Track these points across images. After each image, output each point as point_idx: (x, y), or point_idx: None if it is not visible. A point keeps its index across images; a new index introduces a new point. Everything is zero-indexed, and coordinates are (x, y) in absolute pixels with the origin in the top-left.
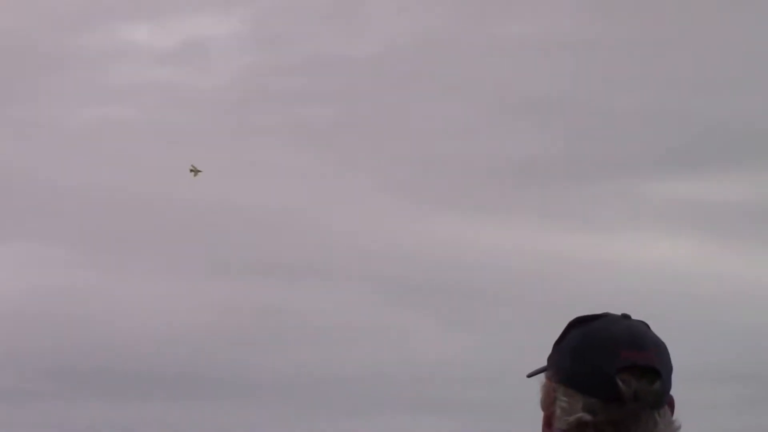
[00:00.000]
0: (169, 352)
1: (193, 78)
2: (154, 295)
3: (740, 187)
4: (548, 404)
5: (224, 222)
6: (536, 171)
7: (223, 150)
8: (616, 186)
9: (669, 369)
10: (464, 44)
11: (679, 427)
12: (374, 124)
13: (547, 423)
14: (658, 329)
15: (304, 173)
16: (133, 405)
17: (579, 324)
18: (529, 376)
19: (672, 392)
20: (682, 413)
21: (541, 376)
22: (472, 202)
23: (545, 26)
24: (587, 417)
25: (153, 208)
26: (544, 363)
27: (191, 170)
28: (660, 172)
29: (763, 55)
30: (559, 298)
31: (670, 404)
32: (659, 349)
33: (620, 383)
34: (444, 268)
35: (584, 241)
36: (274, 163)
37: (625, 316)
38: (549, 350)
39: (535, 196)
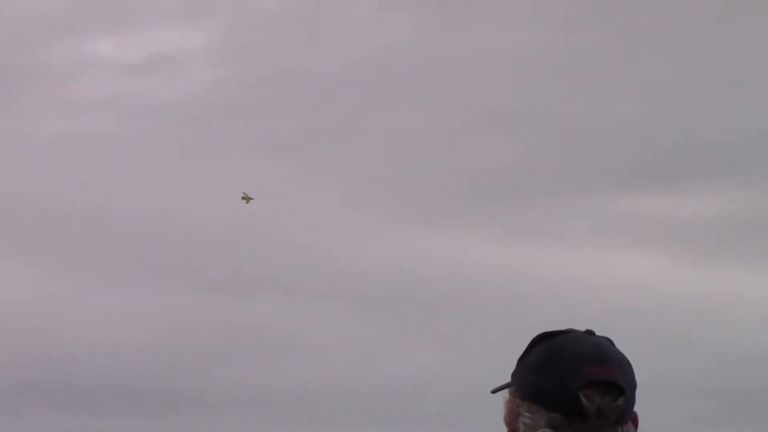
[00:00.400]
0: (134, 367)
1: (159, 91)
2: (115, 310)
3: (712, 202)
4: (512, 420)
5: (189, 236)
6: (503, 184)
7: (188, 162)
8: (585, 200)
9: (633, 385)
10: (430, 57)
11: None
12: (340, 136)
13: None
14: (623, 345)
15: (270, 186)
16: (98, 419)
17: (543, 340)
18: (494, 392)
19: (636, 408)
20: (646, 429)
21: (505, 392)
22: (437, 216)
23: (511, 38)
24: None
25: (119, 222)
26: (509, 379)
27: (243, 198)
28: (630, 186)
29: (737, 69)
30: (526, 313)
31: (634, 420)
32: (623, 365)
33: (584, 399)
34: (408, 283)
35: (552, 255)
36: (239, 175)
37: (589, 332)
38: (514, 366)
39: (502, 210)
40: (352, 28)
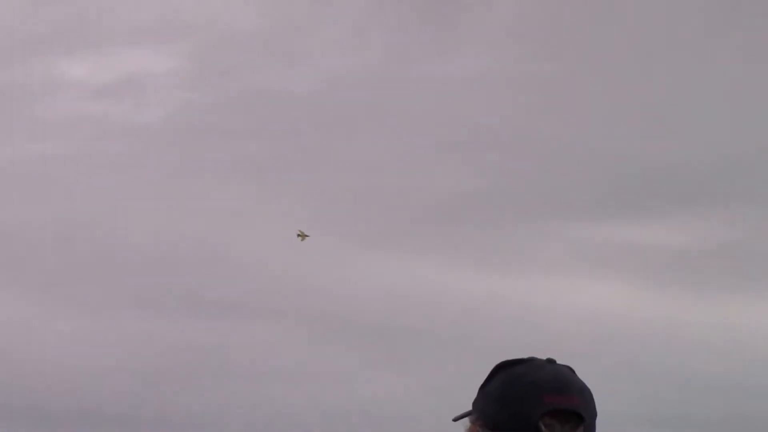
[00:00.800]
0: (96, 391)
1: (129, 113)
2: (79, 332)
3: (678, 231)
4: None
5: (155, 258)
6: (470, 210)
7: (158, 184)
8: (551, 227)
9: (593, 414)
10: (401, 81)
11: None
12: (310, 159)
13: None
14: (586, 374)
15: (239, 209)
16: None
17: (504, 368)
18: (455, 420)
19: None
20: None
21: (467, 420)
22: (404, 241)
23: (482, 64)
24: None
25: (85, 244)
26: (471, 407)
27: (299, 235)
28: (596, 214)
29: (704, 99)
30: (489, 341)
31: None
32: (584, 394)
33: (543, 428)
34: (373, 308)
35: (517, 283)
36: (210, 198)
37: (550, 361)
38: (476, 393)
39: (467, 236)
40: (325, 51)
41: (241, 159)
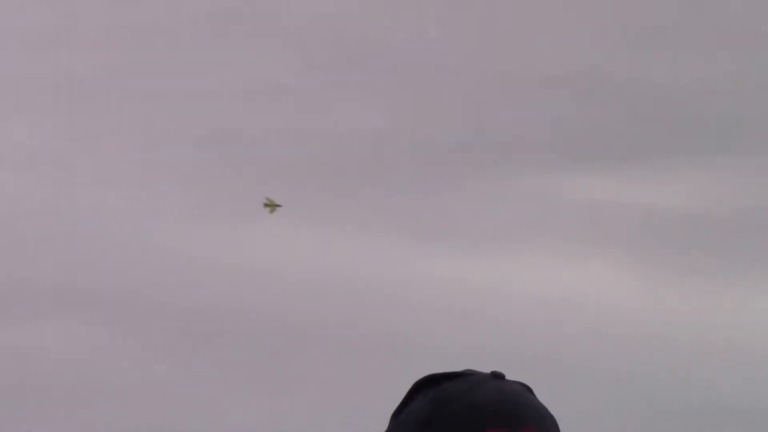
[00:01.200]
0: None
1: None
2: None
3: (687, 190)
4: None
5: None
6: (384, 153)
7: None
8: (514, 184)
9: None
10: None
11: None
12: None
13: None
14: (548, 393)
15: None
16: None
17: (427, 386)
18: None
19: None
20: None
21: None
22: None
23: None
24: None
25: None
26: None
27: (267, 205)
28: (577, 166)
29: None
30: (417, 342)
31: None
32: (544, 422)
33: None
34: (243, 299)
35: (449, 259)
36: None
37: (496, 375)
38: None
39: (376, 198)
40: None
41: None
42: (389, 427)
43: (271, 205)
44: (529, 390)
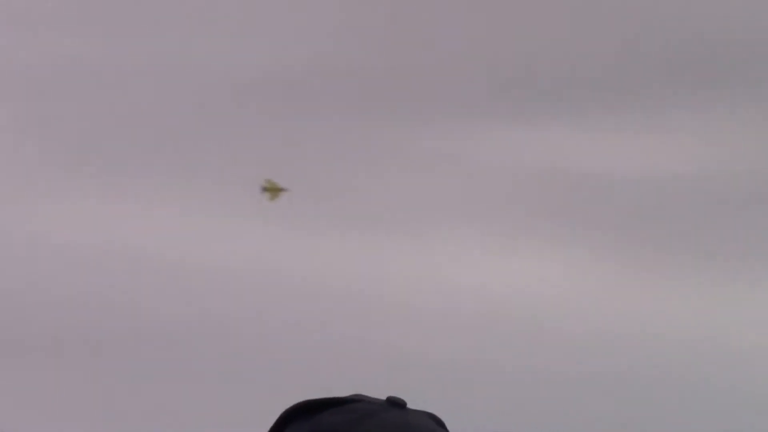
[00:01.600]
0: None
1: None
2: None
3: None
4: None
5: None
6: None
7: None
8: (394, 135)
9: None
10: None
11: None
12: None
13: None
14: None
15: None
16: None
17: (301, 417)
18: None
19: None
20: None
21: None
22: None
23: None
24: None
25: None
26: None
27: (266, 189)
28: (489, 112)
29: None
30: (273, 357)
31: None
32: None
33: None
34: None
35: (344, 245)
36: None
37: (394, 402)
38: None
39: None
40: None
41: None
42: None
43: (272, 190)
44: (439, 422)
